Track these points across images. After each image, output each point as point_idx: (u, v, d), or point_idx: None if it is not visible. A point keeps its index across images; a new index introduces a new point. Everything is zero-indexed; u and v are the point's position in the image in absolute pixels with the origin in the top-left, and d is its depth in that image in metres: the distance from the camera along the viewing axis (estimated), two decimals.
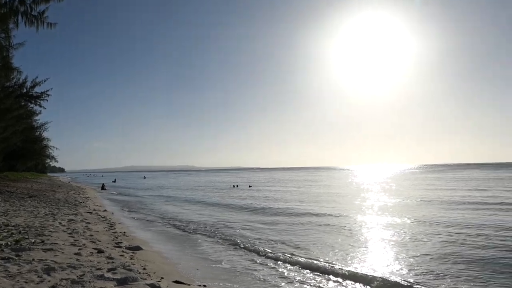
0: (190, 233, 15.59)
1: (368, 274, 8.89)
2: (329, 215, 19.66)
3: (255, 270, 9.72)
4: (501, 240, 12.28)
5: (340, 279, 8.69)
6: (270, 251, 11.69)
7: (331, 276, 8.90)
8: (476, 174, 76.41)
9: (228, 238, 14.09)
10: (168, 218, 20.19)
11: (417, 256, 10.59)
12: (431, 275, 8.85)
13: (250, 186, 52.77)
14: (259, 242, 13.23)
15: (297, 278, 8.82)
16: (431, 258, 10.35)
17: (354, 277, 8.72)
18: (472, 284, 8.22)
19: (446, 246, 11.75)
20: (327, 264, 9.87)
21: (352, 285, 8.34)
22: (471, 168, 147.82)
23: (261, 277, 8.99)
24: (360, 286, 8.28)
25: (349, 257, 10.68)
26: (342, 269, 9.33)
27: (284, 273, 9.41)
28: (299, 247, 12.18)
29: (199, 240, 13.88)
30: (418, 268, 9.45)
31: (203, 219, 19.47)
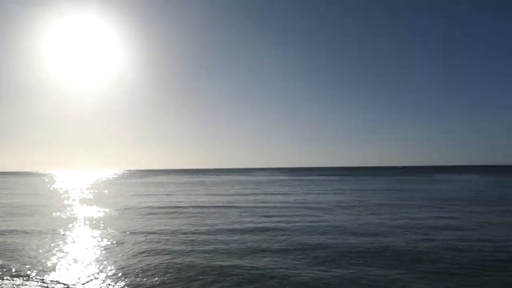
0: None
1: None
2: (17, 231, 18.68)
3: None
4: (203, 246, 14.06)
5: None
6: None
7: None
8: (167, 180, 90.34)
9: None
10: None
11: (111, 270, 11.32)
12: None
13: None
14: None
15: None
16: (123, 269, 11.24)
17: None
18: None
19: (136, 255, 12.86)
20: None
21: None
22: (169, 173, 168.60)
23: None
24: None
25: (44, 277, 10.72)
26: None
27: None
28: None
29: None
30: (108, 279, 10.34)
31: None
